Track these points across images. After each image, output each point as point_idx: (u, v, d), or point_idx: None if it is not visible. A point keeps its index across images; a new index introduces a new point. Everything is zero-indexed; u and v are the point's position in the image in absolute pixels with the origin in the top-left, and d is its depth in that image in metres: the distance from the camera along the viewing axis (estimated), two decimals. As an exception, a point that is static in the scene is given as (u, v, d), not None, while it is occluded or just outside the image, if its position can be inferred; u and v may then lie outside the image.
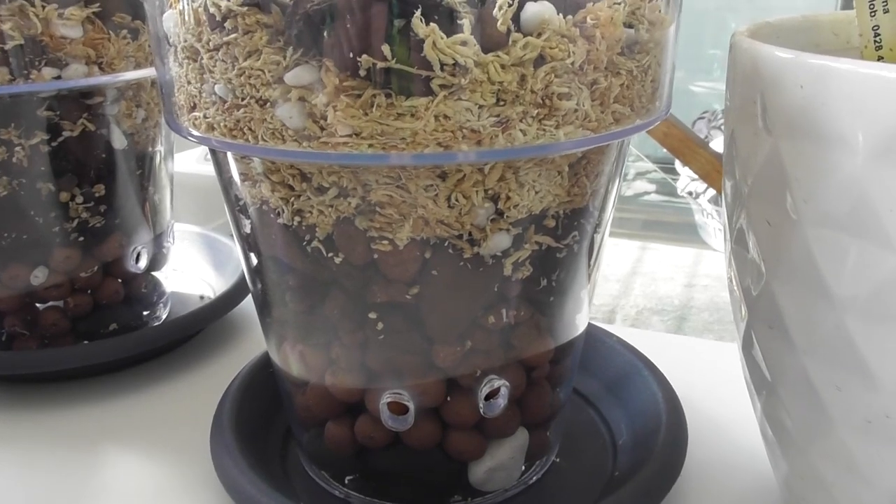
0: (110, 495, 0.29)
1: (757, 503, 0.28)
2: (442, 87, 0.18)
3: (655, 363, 0.31)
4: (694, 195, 1.87)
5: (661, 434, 0.27)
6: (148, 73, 0.35)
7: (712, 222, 1.83)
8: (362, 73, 0.18)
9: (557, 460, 0.29)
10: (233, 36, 0.19)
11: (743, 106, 0.21)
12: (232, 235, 0.48)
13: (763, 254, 0.21)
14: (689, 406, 0.29)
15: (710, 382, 0.35)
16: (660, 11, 0.21)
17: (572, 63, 0.19)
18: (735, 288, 0.24)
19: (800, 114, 0.18)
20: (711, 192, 1.82)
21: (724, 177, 0.24)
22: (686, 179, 1.88)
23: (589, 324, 0.32)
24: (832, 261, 0.18)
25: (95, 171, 0.35)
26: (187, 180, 0.58)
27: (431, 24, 0.18)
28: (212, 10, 0.19)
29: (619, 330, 0.35)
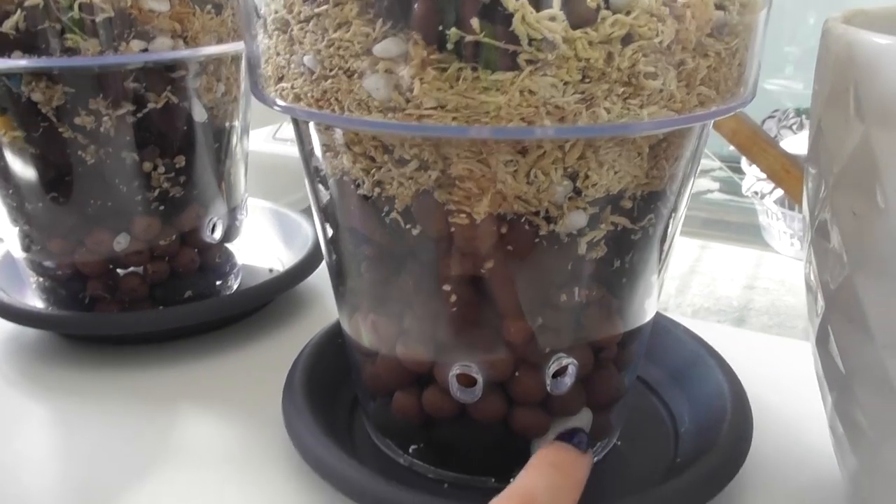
0: (186, 452, 0.30)
1: (820, 498, 0.27)
2: (528, 62, 0.18)
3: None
4: (759, 195, 1.83)
5: (726, 423, 0.27)
6: (229, 48, 0.36)
7: (777, 224, 1.79)
8: (449, 46, 0.18)
9: (619, 443, 0.29)
10: (323, 7, 0.20)
11: (834, 93, 0.20)
12: (300, 211, 0.49)
13: (846, 245, 0.21)
14: (754, 399, 0.29)
15: (775, 377, 0.34)
16: (751, -6, 0.21)
17: (660, 42, 0.19)
18: (813, 281, 0.24)
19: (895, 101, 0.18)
20: (778, 193, 1.78)
21: (807, 166, 0.23)
22: (752, 179, 1.84)
23: (657, 313, 0.32)
24: (921, 251, 0.18)
25: (176, 143, 0.36)
26: (257, 159, 0.60)
27: (521, -2, 0.18)
28: (305, -18, 0.20)
29: (685, 321, 0.34)
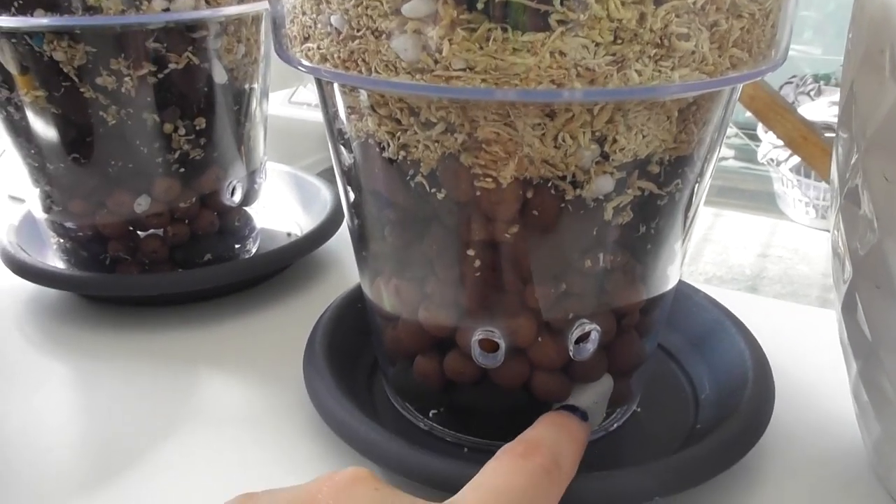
0: (207, 412, 0.30)
1: (842, 466, 0.27)
2: (560, 22, 0.18)
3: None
4: (775, 163, 1.81)
5: (748, 390, 0.27)
6: (250, 8, 0.35)
7: (792, 192, 1.78)
8: (480, 6, 0.18)
9: (639, 410, 0.29)
10: (352, -34, 0.19)
11: (868, 55, 0.20)
12: (318, 175, 0.48)
13: (877, 211, 0.20)
14: (775, 367, 0.29)
15: (795, 345, 0.34)
16: (785, -46, 0.20)
17: (694, 3, 0.18)
18: (840, 247, 0.23)
19: (933, 63, 0.17)
20: (794, 160, 1.76)
21: (838, 130, 0.23)
22: (768, 146, 1.82)
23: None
24: (955, 218, 0.18)
25: (197, 105, 0.36)
26: (271, 121, 0.60)
27: (554, -43, 0.17)
28: (332, -61, 0.20)
29: (706, 288, 0.34)
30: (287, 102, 0.80)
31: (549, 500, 0.21)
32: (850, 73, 0.21)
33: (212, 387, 0.32)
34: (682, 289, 0.33)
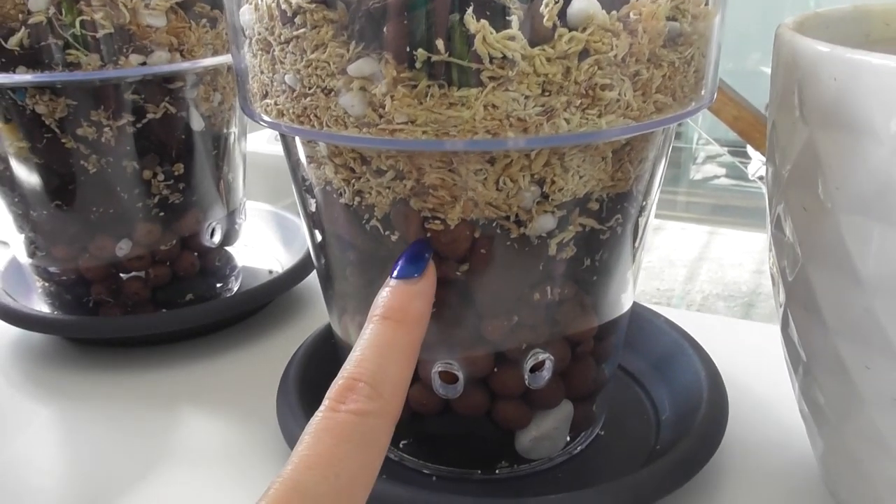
0: (186, 451, 0.31)
1: (795, 480, 0.28)
2: (491, 78, 0.19)
3: (701, 343, 0.32)
4: (765, 180, 1.83)
5: (702, 410, 0.28)
6: (225, 59, 0.37)
7: (783, 207, 1.79)
8: (419, 65, 0.20)
9: (602, 433, 0.30)
10: (302, 30, 0.21)
11: (783, 96, 0.22)
12: (299, 214, 0.50)
13: (799, 238, 0.22)
14: (733, 385, 0.30)
15: (753, 362, 0.35)
16: (704, 5, 0.22)
17: (615, 56, 0.20)
18: (774, 271, 0.25)
19: (833, 105, 0.19)
20: (783, 176, 1.78)
21: (767, 164, 0.24)
22: (757, 163, 1.84)
23: (637, 304, 0.33)
24: (861, 246, 0.19)
25: (175, 151, 0.38)
26: (258, 160, 0.61)
27: (482, 20, 0.19)
28: (283, 6, 0.21)
29: (666, 311, 0.36)
30: (273, 140, 0.82)
31: (373, 440, 0.20)
32: (772, 112, 0.23)
33: (192, 426, 0.33)
34: (643, 313, 0.35)
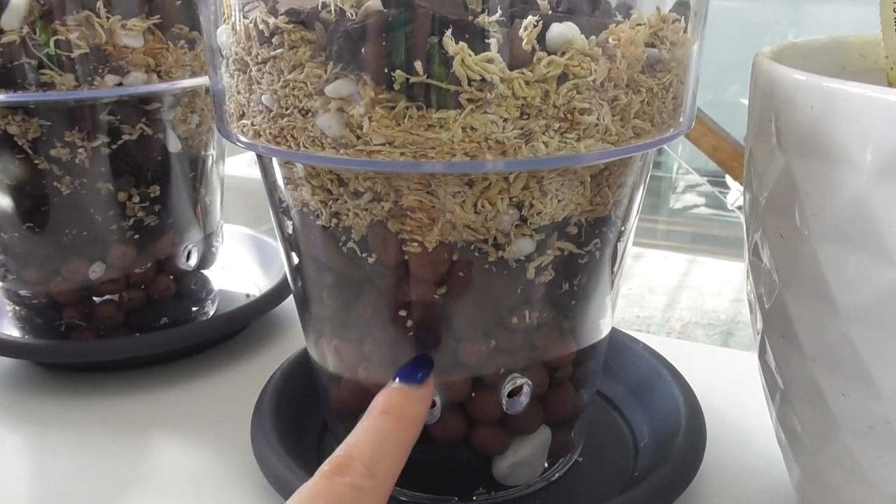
0: (157, 478, 0.31)
1: (772, 507, 0.28)
2: (469, 100, 0.19)
3: (680, 371, 0.32)
4: (743, 208, 1.85)
5: (680, 437, 0.28)
6: (203, 81, 0.37)
7: (760, 236, 1.81)
8: (397, 86, 0.20)
9: (580, 459, 0.30)
10: (279, 51, 0.21)
11: (760, 124, 0.22)
12: (277, 237, 0.50)
13: (776, 265, 0.22)
14: (711, 412, 0.30)
15: (731, 389, 0.35)
16: (683, 32, 0.22)
17: (594, 80, 0.20)
18: (752, 298, 0.25)
19: (810, 133, 0.19)
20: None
21: (745, 192, 0.24)
22: (736, 193, 1.86)
23: (616, 330, 0.33)
24: (837, 273, 0.19)
25: (151, 173, 0.37)
26: (237, 183, 0.61)
27: (461, 42, 0.19)
28: (261, 26, 0.21)
29: (645, 337, 0.36)
30: (252, 164, 0.82)
31: None
32: (750, 139, 0.23)
33: (165, 452, 0.32)
34: (623, 339, 0.35)
